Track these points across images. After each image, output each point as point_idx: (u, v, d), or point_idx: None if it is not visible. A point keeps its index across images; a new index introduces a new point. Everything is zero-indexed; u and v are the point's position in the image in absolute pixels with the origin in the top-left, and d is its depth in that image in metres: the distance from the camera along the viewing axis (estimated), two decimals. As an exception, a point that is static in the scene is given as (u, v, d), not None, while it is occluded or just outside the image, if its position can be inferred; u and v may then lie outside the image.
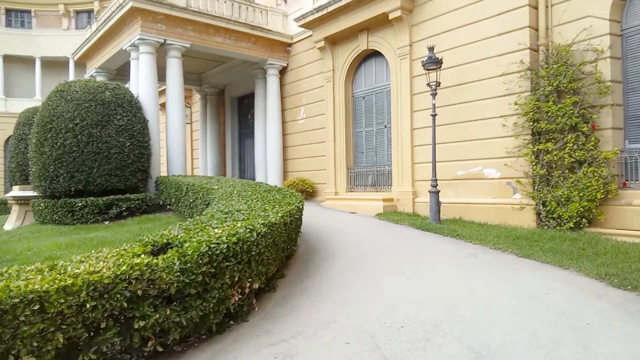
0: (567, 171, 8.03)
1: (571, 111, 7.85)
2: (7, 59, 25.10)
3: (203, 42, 12.74)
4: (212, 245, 3.70)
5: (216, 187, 8.45)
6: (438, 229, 8.18)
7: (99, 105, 10.59)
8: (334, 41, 12.65)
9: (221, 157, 18.22)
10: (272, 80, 14.42)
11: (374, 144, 12.14)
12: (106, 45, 13.84)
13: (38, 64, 25.39)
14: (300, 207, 6.44)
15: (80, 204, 10.25)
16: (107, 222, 10.30)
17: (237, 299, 4.10)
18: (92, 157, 10.33)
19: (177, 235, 3.92)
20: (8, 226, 11.75)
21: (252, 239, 4.16)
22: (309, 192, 13.36)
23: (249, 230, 4.20)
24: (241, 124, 17.98)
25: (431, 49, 9.21)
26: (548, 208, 8.05)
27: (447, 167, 9.90)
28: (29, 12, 25.75)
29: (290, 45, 14.50)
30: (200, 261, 3.53)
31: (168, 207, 11.11)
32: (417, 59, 10.44)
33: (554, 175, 8.15)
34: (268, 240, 4.56)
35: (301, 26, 13.00)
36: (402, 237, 7.71)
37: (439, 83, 9.19)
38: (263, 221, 4.66)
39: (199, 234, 4.00)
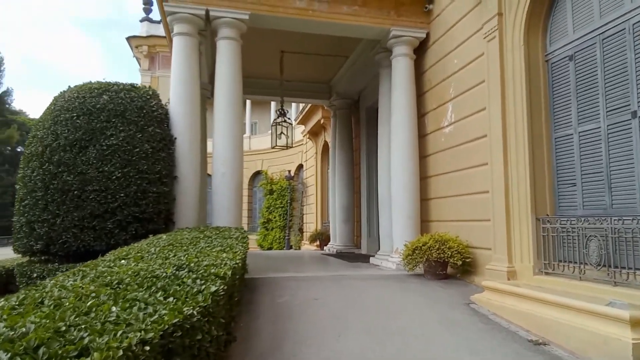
0: None
1: None
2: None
3: (272, 11, 7.80)
4: None
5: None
6: None
7: (83, 115, 6.61)
8: (498, -47, 6.07)
9: (354, 195, 12.66)
10: (400, 65, 8.38)
11: (604, 162, 4.86)
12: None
13: (248, 103, 25.74)
14: None
15: (35, 275, 6.32)
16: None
17: None
18: (58, 199, 6.32)
19: None
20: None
21: None
22: (456, 266, 6.63)
23: None
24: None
25: None
26: None
27: None
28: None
29: (431, 0, 8.32)
30: None
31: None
32: None
33: None
34: None
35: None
36: None
37: None
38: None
39: None
